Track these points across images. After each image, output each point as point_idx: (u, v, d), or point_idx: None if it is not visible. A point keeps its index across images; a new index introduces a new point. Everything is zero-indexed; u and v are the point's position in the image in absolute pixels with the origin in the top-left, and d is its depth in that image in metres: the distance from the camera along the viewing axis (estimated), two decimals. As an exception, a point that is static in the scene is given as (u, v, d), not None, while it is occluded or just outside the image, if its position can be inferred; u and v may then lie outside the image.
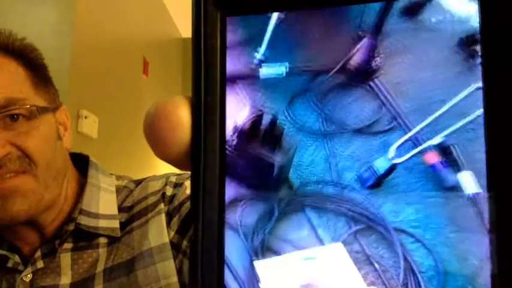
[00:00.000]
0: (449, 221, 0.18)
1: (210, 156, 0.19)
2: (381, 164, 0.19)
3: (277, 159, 0.20)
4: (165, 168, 1.52)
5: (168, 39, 3.07)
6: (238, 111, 0.20)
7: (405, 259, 0.18)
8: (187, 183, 0.62)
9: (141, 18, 2.45)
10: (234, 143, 0.20)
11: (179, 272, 0.57)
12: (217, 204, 0.19)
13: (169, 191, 0.62)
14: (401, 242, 0.18)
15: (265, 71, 0.20)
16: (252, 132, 0.20)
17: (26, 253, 0.60)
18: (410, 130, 0.19)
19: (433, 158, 0.18)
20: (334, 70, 0.19)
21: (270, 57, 0.20)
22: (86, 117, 1.66)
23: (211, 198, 0.19)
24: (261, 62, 0.20)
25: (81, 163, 0.66)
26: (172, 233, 0.59)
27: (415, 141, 0.19)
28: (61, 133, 0.62)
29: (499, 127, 0.16)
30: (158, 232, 0.59)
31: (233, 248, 0.19)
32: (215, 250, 0.19)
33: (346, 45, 0.19)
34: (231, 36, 0.19)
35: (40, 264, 0.58)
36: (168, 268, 0.57)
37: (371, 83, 0.19)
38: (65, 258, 0.59)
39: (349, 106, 0.20)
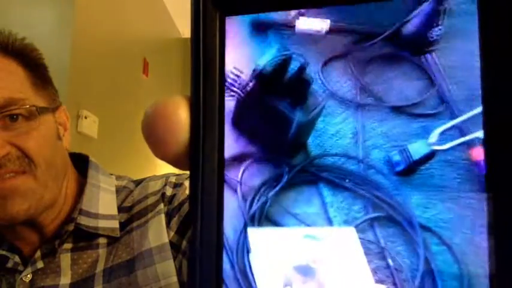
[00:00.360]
0: (484, 229, 0.16)
1: (208, 156, 0.19)
2: (417, 149, 0.16)
3: (298, 116, 0.17)
4: (165, 168, 1.52)
5: (168, 39, 3.07)
6: (261, 50, 0.18)
7: (426, 261, 0.16)
8: (187, 183, 0.62)
9: (141, 18, 2.44)
10: (250, 87, 0.18)
11: (179, 272, 0.57)
12: (216, 204, 0.19)
13: (169, 191, 0.62)
14: (425, 242, 0.16)
15: (303, 24, 0.18)
16: (274, 76, 0.18)
17: (25, 253, 0.60)
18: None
19: (480, 154, 0.16)
20: (384, 35, 0.17)
21: (311, 10, 0.18)
22: (86, 117, 1.65)
23: (209, 198, 0.18)
24: (300, 13, 0.18)
25: (80, 163, 0.66)
26: (172, 233, 0.59)
27: (461, 131, 0.16)
28: (61, 133, 0.61)
29: (498, 128, 0.16)
30: (158, 232, 0.59)
31: (226, 207, 0.18)
32: (214, 250, 0.18)
33: (403, 7, 0.17)
34: None
35: (40, 264, 0.58)
36: (167, 268, 0.57)
37: (422, 58, 0.17)
38: (65, 259, 0.59)
39: (392, 80, 0.17)
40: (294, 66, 0.17)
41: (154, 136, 0.19)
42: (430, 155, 0.16)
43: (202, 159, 0.18)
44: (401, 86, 0.17)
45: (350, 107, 0.17)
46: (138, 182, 0.67)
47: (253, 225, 0.17)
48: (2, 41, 0.58)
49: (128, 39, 2.24)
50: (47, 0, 1.65)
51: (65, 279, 0.58)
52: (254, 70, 0.18)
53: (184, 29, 3.19)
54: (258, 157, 0.18)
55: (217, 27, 0.19)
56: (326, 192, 0.17)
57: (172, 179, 0.64)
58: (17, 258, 0.59)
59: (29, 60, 0.59)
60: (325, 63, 0.17)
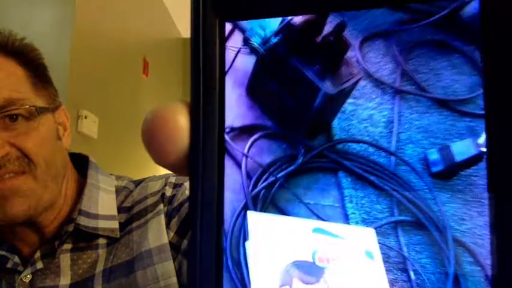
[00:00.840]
0: None
1: (208, 163, 0.18)
2: (462, 149, 0.14)
3: (326, 87, 0.15)
4: (164, 169, 1.52)
5: (168, 39, 3.07)
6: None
7: (456, 281, 0.14)
8: (187, 183, 0.62)
9: (141, 18, 2.44)
10: (274, 42, 0.15)
11: (178, 272, 0.57)
12: (216, 212, 0.18)
13: (168, 192, 0.62)
14: (457, 258, 0.14)
15: None
16: (305, 33, 0.15)
17: (25, 254, 0.60)
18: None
19: None
20: (437, 16, 0.15)
21: None
22: (86, 117, 1.65)
23: (209, 205, 0.18)
24: None
25: (80, 163, 0.66)
26: (171, 234, 0.58)
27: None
28: (60, 133, 0.61)
29: (499, 129, 0.16)
30: (157, 233, 0.59)
31: (227, 183, 0.16)
32: (213, 256, 0.18)
33: None
34: None
35: (39, 264, 0.58)
36: (167, 269, 0.57)
37: (477, 51, 0.14)
38: (65, 259, 0.59)
39: (440, 70, 0.15)
40: (330, 26, 0.15)
41: (153, 142, 0.19)
42: (476, 158, 0.14)
43: (202, 165, 0.18)
44: (450, 78, 0.15)
45: (387, 92, 0.15)
46: (137, 183, 0.67)
47: (255, 208, 0.15)
48: (2, 41, 0.58)
49: (127, 39, 2.24)
50: (47, 0, 1.65)
51: (65, 280, 0.58)
52: (282, 21, 0.15)
53: (184, 29, 3.19)
54: (272, 131, 0.15)
55: (216, 32, 0.19)
56: (346, 183, 0.15)
57: (172, 180, 0.64)
58: (16, 259, 0.59)
59: (28, 60, 0.59)
60: (365, 39, 0.15)
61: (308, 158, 0.15)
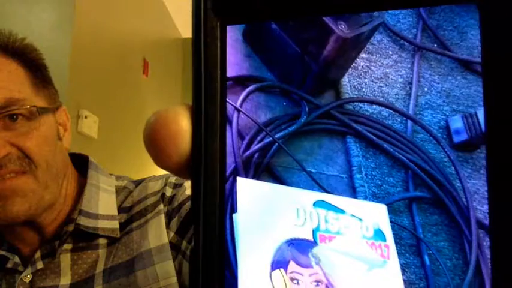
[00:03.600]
0: None
1: (210, 166, 0.18)
2: None
3: (341, 28, 0.12)
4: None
5: (168, 39, 3.07)
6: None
7: (477, 267, 0.12)
8: (187, 183, 0.62)
9: (141, 18, 2.44)
10: None
11: (178, 272, 0.57)
12: (218, 215, 0.18)
13: (168, 192, 0.62)
14: (479, 242, 0.12)
15: None
16: None
17: (25, 254, 0.60)
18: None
19: None
20: None
21: None
22: (86, 117, 1.65)
23: (211, 208, 0.18)
24: None
25: (80, 163, 0.66)
26: (171, 234, 0.59)
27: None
28: (61, 133, 0.61)
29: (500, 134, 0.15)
30: (158, 233, 0.59)
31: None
32: (216, 263, 0.18)
33: None
34: None
35: (40, 264, 0.58)
36: (167, 269, 0.57)
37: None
38: (65, 259, 0.59)
39: (466, 29, 0.13)
40: None
41: (155, 146, 0.19)
42: None
43: (203, 168, 0.18)
44: (477, 38, 0.12)
45: (406, 48, 0.13)
46: (138, 183, 0.67)
47: (246, 174, 0.13)
48: (2, 41, 0.58)
49: (127, 39, 2.24)
50: (47, 0, 1.65)
51: (65, 280, 0.58)
52: None
53: (184, 29, 3.19)
54: (270, 84, 0.13)
55: (218, 35, 0.19)
56: (355, 150, 0.13)
57: (172, 179, 0.64)
58: (16, 259, 0.59)
59: (29, 60, 0.59)
60: None
61: (313, 118, 0.13)
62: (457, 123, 0.12)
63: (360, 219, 0.12)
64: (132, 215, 0.62)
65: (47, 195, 0.57)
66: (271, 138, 0.13)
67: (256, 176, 0.13)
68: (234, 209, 0.13)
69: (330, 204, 0.12)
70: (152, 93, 2.52)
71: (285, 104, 0.13)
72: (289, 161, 0.13)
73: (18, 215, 0.54)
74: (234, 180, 0.13)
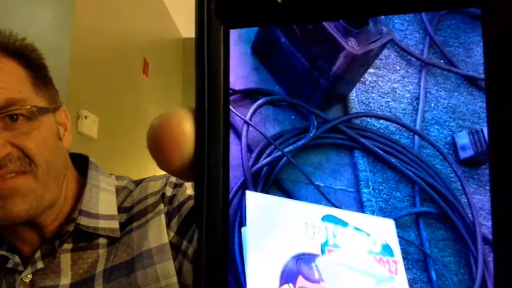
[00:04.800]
0: None
1: (213, 169, 0.18)
2: None
3: (351, 44, 0.12)
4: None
5: (168, 39, 3.07)
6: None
7: (483, 283, 0.12)
8: (188, 183, 0.62)
9: (141, 18, 2.44)
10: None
11: (179, 272, 0.57)
12: (221, 220, 0.17)
13: (169, 192, 0.62)
14: (485, 258, 0.12)
15: None
16: None
17: (26, 254, 0.60)
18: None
19: None
20: None
21: None
22: (86, 117, 1.65)
23: (214, 212, 0.18)
24: None
25: (80, 163, 0.66)
26: (172, 234, 0.59)
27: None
28: (61, 133, 0.62)
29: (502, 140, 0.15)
30: (158, 233, 0.59)
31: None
32: (220, 264, 0.17)
33: None
34: None
35: (40, 264, 0.58)
36: (167, 269, 0.57)
37: None
38: (65, 259, 0.59)
39: (472, 45, 0.13)
40: None
41: (158, 149, 0.19)
42: None
43: (207, 171, 0.18)
44: (482, 54, 0.12)
45: (413, 64, 0.13)
46: (138, 182, 0.67)
47: (255, 187, 0.13)
48: (2, 41, 0.58)
49: (128, 39, 2.24)
50: (47, 0, 1.65)
51: (65, 280, 0.58)
52: None
53: (184, 29, 3.19)
54: (280, 98, 0.13)
55: (221, 39, 0.18)
56: (362, 164, 0.13)
57: (173, 179, 0.64)
58: (17, 259, 0.59)
59: (29, 60, 0.59)
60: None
61: (321, 132, 0.13)
62: (463, 139, 0.13)
63: (368, 234, 0.12)
64: (132, 214, 0.62)
65: (48, 195, 0.57)
66: (280, 152, 0.13)
67: (265, 190, 0.13)
68: (242, 223, 0.13)
69: (338, 219, 0.12)
70: (152, 93, 2.52)
71: (293, 117, 0.13)
72: (298, 174, 0.13)
73: (19, 215, 0.54)
74: (243, 194, 0.13)
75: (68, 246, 0.59)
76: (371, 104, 0.13)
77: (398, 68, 0.13)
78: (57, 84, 0.64)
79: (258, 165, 0.13)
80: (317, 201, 0.13)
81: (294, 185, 0.13)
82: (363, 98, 0.13)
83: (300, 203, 0.13)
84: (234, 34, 0.16)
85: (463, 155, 0.12)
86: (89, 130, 1.69)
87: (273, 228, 0.13)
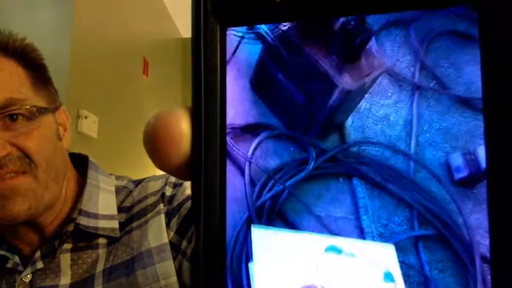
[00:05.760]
0: None
1: (210, 168, 0.18)
2: None
3: (345, 80, 0.13)
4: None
5: (168, 39, 3.07)
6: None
7: None
8: (187, 183, 0.62)
9: (141, 18, 2.44)
10: (285, 28, 0.13)
11: (178, 272, 0.57)
12: (218, 218, 0.17)
13: (168, 191, 0.62)
14: (484, 278, 0.12)
15: None
16: (322, 20, 0.13)
17: (25, 253, 0.60)
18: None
19: None
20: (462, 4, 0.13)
21: None
22: (86, 117, 1.65)
23: (211, 211, 0.18)
24: None
25: (80, 163, 0.66)
26: (171, 234, 0.59)
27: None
28: (61, 133, 0.62)
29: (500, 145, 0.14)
30: (158, 232, 0.59)
31: (227, 192, 0.14)
32: (216, 262, 0.17)
33: None
34: None
35: (40, 264, 0.58)
36: (167, 268, 0.57)
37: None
38: (65, 259, 0.59)
39: (463, 65, 0.13)
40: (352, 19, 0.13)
41: (155, 148, 0.19)
42: None
43: (204, 170, 0.18)
44: (474, 74, 0.13)
45: (405, 88, 0.13)
46: (137, 182, 0.67)
47: (259, 221, 0.13)
48: (2, 41, 0.58)
49: (128, 39, 2.24)
50: (47, 0, 1.65)
51: (65, 280, 0.58)
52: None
53: (184, 29, 3.19)
54: (278, 132, 0.13)
55: (218, 38, 0.18)
56: (361, 192, 0.13)
57: (172, 179, 0.64)
58: (16, 259, 0.59)
59: (29, 60, 0.59)
60: (382, 27, 0.13)
61: (319, 162, 0.13)
62: (457, 160, 0.13)
63: (370, 262, 0.13)
64: (132, 214, 0.62)
65: (47, 195, 0.57)
66: (282, 186, 0.13)
67: (269, 222, 0.13)
68: (249, 258, 0.14)
69: (341, 249, 0.13)
70: (152, 93, 2.52)
71: (292, 149, 0.14)
72: (300, 205, 0.13)
73: (19, 215, 0.54)
74: (248, 229, 0.14)
75: (67, 246, 0.59)
76: (366, 131, 0.13)
77: (390, 93, 0.13)
78: (57, 84, 0.64)
79: (261, 200, 0.13)
80: (319, 230, 0.13)
81: (296, 216, 0.13)
82: (358, 125, 0.13)
83: (304, 235, 0.13)
84: (233, 69, 0.16)
85: (457, 175, 0.13)
86: (89, 130, 1.69)
87: (279, 262, 0.13)
